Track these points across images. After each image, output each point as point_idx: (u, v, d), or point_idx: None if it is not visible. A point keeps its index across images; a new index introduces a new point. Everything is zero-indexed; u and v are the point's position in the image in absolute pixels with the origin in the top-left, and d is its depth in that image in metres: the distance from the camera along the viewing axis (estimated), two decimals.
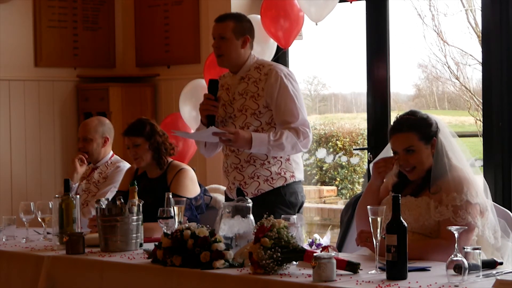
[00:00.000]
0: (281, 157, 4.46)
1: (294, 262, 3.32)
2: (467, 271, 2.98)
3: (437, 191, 3.58)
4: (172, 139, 4.93)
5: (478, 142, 6.15)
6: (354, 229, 4.06)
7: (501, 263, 3.29)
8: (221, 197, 4.89)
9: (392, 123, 3.76)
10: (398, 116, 3.75)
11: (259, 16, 5.97)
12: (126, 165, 5.25)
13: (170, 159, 4.81)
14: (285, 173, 4.46)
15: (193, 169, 4.82)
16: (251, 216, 3.63)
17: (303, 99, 4.55)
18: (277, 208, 4.36)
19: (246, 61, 4.50)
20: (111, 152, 5.39)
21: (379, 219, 3.20)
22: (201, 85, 6.10)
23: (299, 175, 4.52)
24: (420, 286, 2.94)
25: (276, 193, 4.44)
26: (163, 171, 4.75)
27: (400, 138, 3.65)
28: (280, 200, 4.44)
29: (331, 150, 9.85)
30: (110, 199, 4.27)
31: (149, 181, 4.77)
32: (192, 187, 4.71)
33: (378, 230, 3.20)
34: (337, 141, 9.82)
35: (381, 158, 3.80)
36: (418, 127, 3.64)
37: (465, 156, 3.72)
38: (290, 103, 4.39)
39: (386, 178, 3.84)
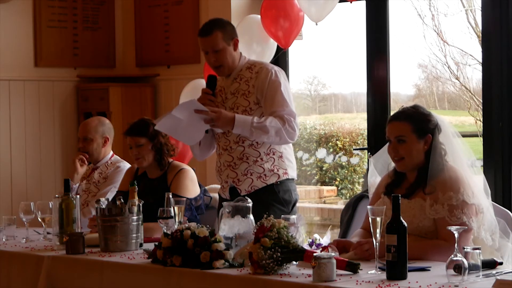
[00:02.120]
0: (274, 154, 4.47)
1: (294, 262, 3.32)
2: (467, 271, 2.98)
3: (432, 191, 3.58)
4: (173, 139, 4.93)
5: (478, 142, 6.14)
6: (354, 229, 4.06)
7: (501, 263, 3.29)
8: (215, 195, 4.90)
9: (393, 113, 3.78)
10: (402, 107, 3.77)
11: (259, 16, 5.97)
12: (126, 165, 5.25)
13: (170, 160, 4.82)
14: (278, 170, 4.47)
15: (193, 169, 4.83)
16: (251, 216, 3.63)
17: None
18: (271, 206, 4.38)
19: (238, 62, 4.53)
20: (111, 152, 5.39)
21: (379, 219, 3.20)
22: (201, 85, 6.07)
23: (292, 173, 4.54)
24: (420, 286, 2.95)
25: (269, 190, 4.46)
26: (163, 171, 4.76)
27: (394, 126, 3.68)
28: (274, 198, 4.45)
29: (331, 150, 9.85)
30: (110, 199, 4.27)
31: (149, 181, 4.78)
32: (192, 187, 4.71)
33: (378, 230, 3.21)
34: (337, 141, 9.83)
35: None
36: (414, 119, 3.65)
37: (466, 157, 3.71)
38: (278, 96, 4.42)
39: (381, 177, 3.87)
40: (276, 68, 4.52)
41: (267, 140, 4.39)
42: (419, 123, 3.65)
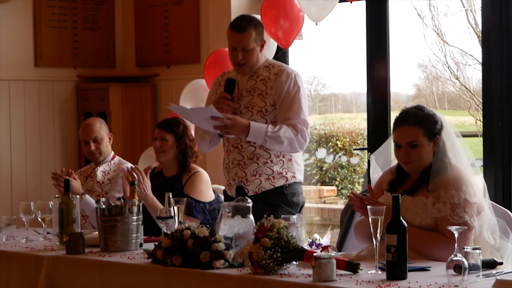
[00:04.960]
0: (283, 157, 4.48)
1: (294, 262, 3.32)
2: (467, 271, 2.98)
3: (435, 189, 3.58)
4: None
5: (478, 142, 6.15)
6: None
7: (501, 263, 3.29)
8: (223, 199, 4.91)
9: (398, 114, 3.74)
10: (405, 108, 3.74)
11: (259, 16, 5.96)
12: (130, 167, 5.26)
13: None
14: (286, 173, 4.48)
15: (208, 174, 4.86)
16: (251, 216, 3.63)
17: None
18: (280, 207, 4.39)
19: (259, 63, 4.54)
20: (112, 152, 5.38)
21: (379, 219, 3.20)
22: (201, 85, 6.09)
23: (300, 176, 4.55)
24: (420, 286, 2.95)
25: (278, 192, 4.47)
26: (179, 171, 4.79)
27: (405, 131, 3.65)
28: (283, 199, 4.46)
29: (331, 150, 9.85)
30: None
31: (164, 179, 4.83)
32: (206, 191, 4.74)
33: (378, 230, 3.21)
34: (337, 141, 9.83)
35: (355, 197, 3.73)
36: (424, 122, 3.64)
37: (466, 156, 3.71)
38: (295, 102, 4.43)
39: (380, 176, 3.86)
40: (295, 72, 4.52)
41: (279, 149, 4.41)
42: (428, 125, 3.63)
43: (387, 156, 3.88)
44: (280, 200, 4.46)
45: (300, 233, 3.58)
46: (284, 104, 4.42)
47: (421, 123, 3.63)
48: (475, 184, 3.63)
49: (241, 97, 4.49)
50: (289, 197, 4.48)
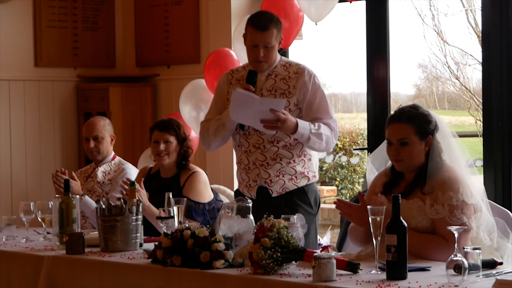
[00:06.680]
0: (304, 156, 4.49)
1: (294, 262, 3.32)
2: (467, 271, 2.98)
3: (431, 191, 3.58)
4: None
5: (478, 142, 6.15)
6: None
7: (501, 263, 3.29)
8: (222, 198, 4.91)
9: (392, 112, 3.75)
10: (399, 106, 3.74)
11: None
12: (131, 167, 5.26)
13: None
14: (308, 173, 4.50)
15: (206, 173, 4.85)
16: (251, 216, 3.63)
17: None
18: (300, 208, 4.40)
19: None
20: (113, 153, 5.38)
21: (379, 219, 3.20)
22: (201, 85, 6.09)
23: (317, 176, 4.58)
24: (420, 286, 2.95)
25: (300, 192, 4.48)
26: (177, 172, 4.77)
27: (397, 128, 3.65)
28: (305, 200, 4.48)
29: (331, 150, 9.86)
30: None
31: (162, 180, 4.81)
32: (205, 191, 4.72)
33: (378, 230, 3.20)
34: (337, 141, 9.83)
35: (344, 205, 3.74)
36: (416, 121, 3.64)
37: (464, 157, 3.71)
38: (323, 102, 4.46)
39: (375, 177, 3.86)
40: (313, 71, 4.54)
41: (317, 147, 4.43)
42: (421, 125, 3.63)
43: (384, 157, 3.88)
44: (302, 201, 4.47)
45: (300, 233, 3.58)
46: (313, 105, 4.44)
47: (413, 122, 3.63)
48: (472, 185, 3.63)
49: (262, 96, 4.47)
50: (310, 197, 4.49)
